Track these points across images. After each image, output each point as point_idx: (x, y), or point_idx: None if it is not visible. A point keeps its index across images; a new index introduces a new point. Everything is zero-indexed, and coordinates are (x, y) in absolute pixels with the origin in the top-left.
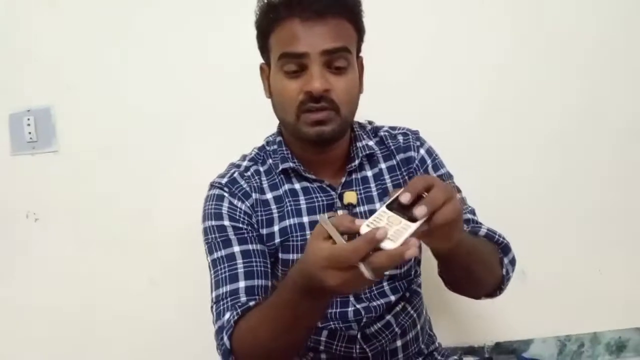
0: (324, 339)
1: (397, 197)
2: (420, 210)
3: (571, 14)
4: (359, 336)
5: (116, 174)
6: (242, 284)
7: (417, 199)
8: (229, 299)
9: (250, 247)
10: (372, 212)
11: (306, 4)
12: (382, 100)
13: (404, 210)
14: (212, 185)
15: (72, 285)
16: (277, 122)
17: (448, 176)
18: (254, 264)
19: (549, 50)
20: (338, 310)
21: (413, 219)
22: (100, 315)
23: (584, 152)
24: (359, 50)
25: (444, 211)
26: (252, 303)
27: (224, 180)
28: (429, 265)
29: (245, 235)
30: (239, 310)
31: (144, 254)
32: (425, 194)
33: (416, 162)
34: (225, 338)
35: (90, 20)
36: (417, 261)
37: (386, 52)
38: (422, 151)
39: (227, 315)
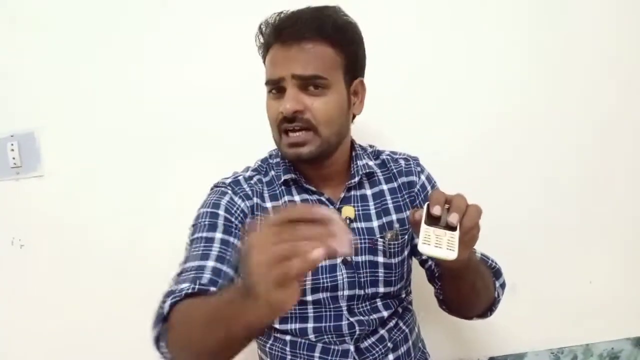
0: (318, 355)
1: (428, 212)
2: (453, 217)
3: (582, 24)
4: (352, 350)
5: (102, 198)
6: (210, 263)
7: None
8: (193, 272)
9: (231, 239)
10: (368, 229)
11: (283, 28)
12: (380, 114)
13: (436, 223)
14: (216, 185)
15: (58, 312)
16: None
17: None
18: (229, 253)
19: (551, 52)
20: (332, 324)
21: (449, 228)
22: (88, 340)
23: (573, 164)
24: (352, 73)
25: (470, 213)
26: (212, 288)
27: (228, 181)
28: (421, 282)
29: (232, 229)
30: (196, 286)
31: (132, 278)
32: (446, 205)
33: (417, 187)
34: (168, 303)
35: (72, 43)
36: (408, 282)
37: (383, 67)
38: (422, 177)
39: (184, 285)
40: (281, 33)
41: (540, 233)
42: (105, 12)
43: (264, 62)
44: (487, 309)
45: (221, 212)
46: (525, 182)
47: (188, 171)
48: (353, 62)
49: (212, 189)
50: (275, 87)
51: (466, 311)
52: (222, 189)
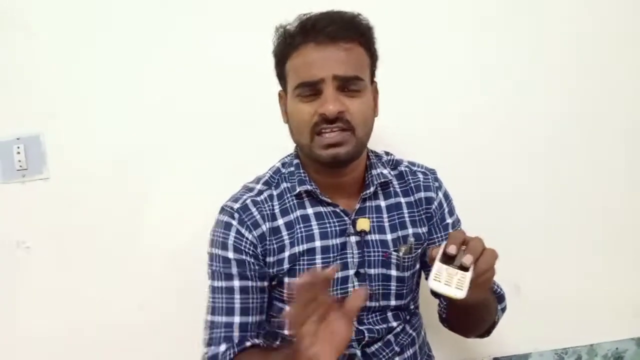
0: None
1: (445, 250)
2: (467, 259)
3: (566, 14)
4: (359, 354)
5: (107, 200)
6: (237, 319)
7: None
8: (223, 330)
9: (249, 283)
10: (382, 241)
11: (319, 28)
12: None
13: (451, 262)
14: (224, 209)
15: (63, 314)
16: (271, 147)
17: (457, 222)
18: (250, 300)
19: (541, 51)
20: None
21: (463, 268)
22: (94, 342)
23: (577, 164)
24: (373, 75)
25: (485, 257)
26: (248, 343)
27: (236, 206)
28: (426, 287)
29: (247, 272)
30: (236, 349)
31: (137, 279)
32: (464, 246)
33: (435, 204)
34: None
35: (77, 46)
36: (417, 292)
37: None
38: (440, 194)
39: (223, 347)
40: (317, 33)
41: (544, 233)
42: (108, 16)
43: (283, 65)
44: (486, 331)
45: (231, 255)
46: (529, 182)
47: (193, 173)
48: (374, 63)
49: (220, 212)
50: (311, 89)
51: (467, 333)
52: (228, 219)
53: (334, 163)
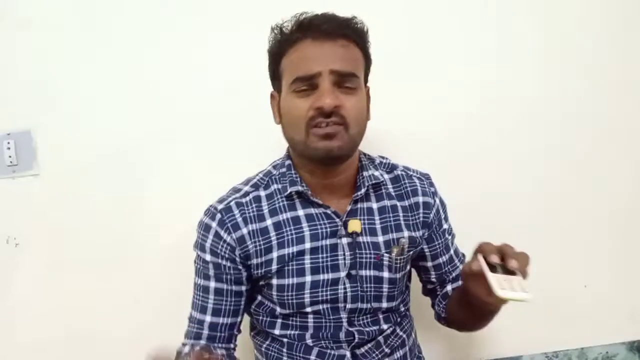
0: (314, 358)
1: (488, 261)
2: (514, 263)
3: (567, 14)
4: (349, 355)
5: (98, 197)
6: (208, 318)
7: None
8: (196, 325)
9: (224, 286)
10: (374, 243)
11: (317, 24)
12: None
13: (495, 271)
14: (208, 210)
15: (54, 312)
16: (267, 145)
17: (450, 227)
18: (224, 303)
19: (547, 52)
20: (330, 332)
21: (510, 273)
22: (82, 340)
23: (570, 167)
24: (366, 78)
25: (523, 259)
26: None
27: (220, 207)
28: (418, 287)
29: (222, 275)
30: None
31: (128, 276)
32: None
33: (434, 210)
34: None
35: (69, 42)
36: (407, 293)
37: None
38: (437, 200)
39: (187, 348)
40: (314, 29)
41: (536, 236)
42: (102, 11)
43: (279, 62)
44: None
45: (208, 257)
46: (521, 185)
47: (185, 171)
48: (369, 68)
49: (203, 214)
50: (307, 84)
51: (467, 330)
52: (208, 221)
53: (327, 158)
